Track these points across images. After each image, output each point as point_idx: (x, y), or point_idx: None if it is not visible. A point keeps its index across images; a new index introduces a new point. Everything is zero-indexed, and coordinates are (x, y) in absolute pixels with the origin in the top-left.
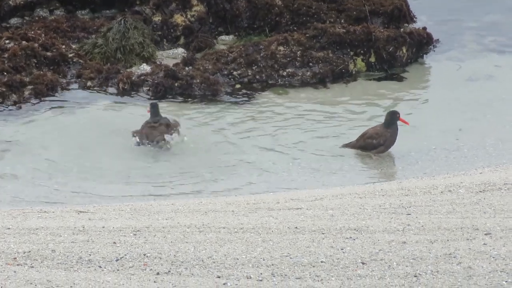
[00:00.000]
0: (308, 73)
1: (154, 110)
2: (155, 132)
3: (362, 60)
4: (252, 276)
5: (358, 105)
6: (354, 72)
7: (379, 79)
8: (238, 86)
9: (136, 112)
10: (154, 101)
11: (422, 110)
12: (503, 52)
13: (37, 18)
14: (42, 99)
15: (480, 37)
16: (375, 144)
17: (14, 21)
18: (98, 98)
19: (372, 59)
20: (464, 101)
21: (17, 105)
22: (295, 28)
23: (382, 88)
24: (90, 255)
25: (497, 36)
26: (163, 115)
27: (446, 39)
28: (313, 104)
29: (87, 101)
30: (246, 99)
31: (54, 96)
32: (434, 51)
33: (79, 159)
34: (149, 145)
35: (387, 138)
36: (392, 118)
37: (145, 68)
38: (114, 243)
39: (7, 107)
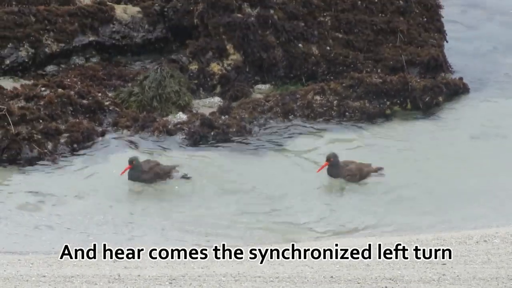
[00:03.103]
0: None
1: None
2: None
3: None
4: None
5: (394, 146)
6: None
7: (415, 119)
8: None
9: (172, 161)
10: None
11: (460, 153)
12: None
13: (73, 65)
14: (77, 147)
15: None
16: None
17: (50, 68)
18: (134, 147)
19: (409, 108)
20: (503, 146)
21: (52, 154)
22: (332, 78)
23: (418, 129)
24: None
25: None
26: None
27: (482, 84)
28: (348, 146)
29: (122, 150)
30: (282, 147)
31: (89, 144)
32: (470, 97)
33: (114, 210)
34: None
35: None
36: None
37: (181, 116)
38: None
39: (42, 157)
